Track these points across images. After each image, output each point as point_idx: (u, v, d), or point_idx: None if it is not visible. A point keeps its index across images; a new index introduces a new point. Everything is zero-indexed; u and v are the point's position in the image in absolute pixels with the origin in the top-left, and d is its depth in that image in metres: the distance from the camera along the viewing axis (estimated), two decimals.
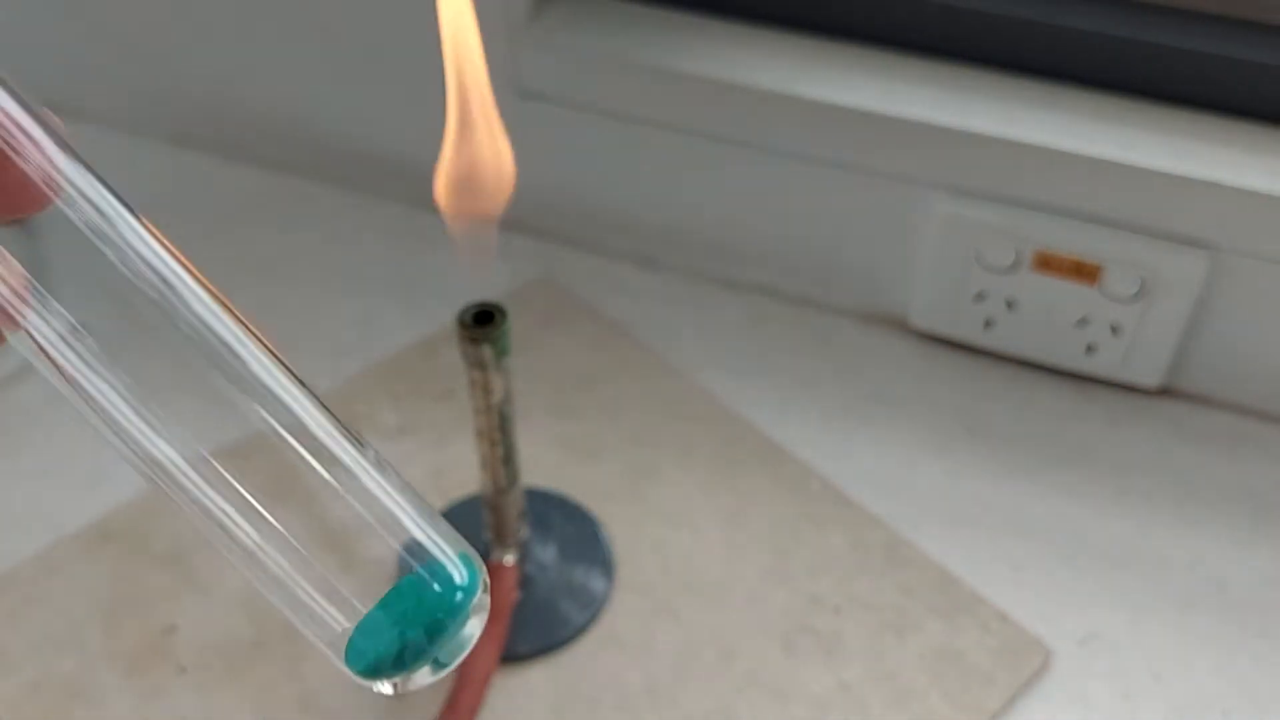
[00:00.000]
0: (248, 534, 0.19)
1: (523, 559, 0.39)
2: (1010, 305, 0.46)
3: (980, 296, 0.46)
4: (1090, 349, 0.46)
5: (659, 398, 0.47)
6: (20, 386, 0.47)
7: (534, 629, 0.38)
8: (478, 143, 0.30)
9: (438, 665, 0.20)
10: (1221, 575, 0.41)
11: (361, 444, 0.20)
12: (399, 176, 0.55)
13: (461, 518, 0.42)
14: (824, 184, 0.47)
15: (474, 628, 0.20)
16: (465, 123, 0.30)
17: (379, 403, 0.46)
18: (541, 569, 0.40)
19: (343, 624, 0.19)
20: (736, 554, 0.41)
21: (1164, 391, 0.47)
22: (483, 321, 0.32)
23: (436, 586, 0.19)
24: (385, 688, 0.20)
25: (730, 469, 0.44)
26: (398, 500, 0.20)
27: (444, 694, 0.36)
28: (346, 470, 0.20)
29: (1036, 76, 0.45)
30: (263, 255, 0.53)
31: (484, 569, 0.20)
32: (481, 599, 0.20)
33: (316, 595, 0.19)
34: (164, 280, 0.20)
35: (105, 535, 0.41)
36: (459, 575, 0.19)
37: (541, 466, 0.44)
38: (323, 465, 0.19)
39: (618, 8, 0.49)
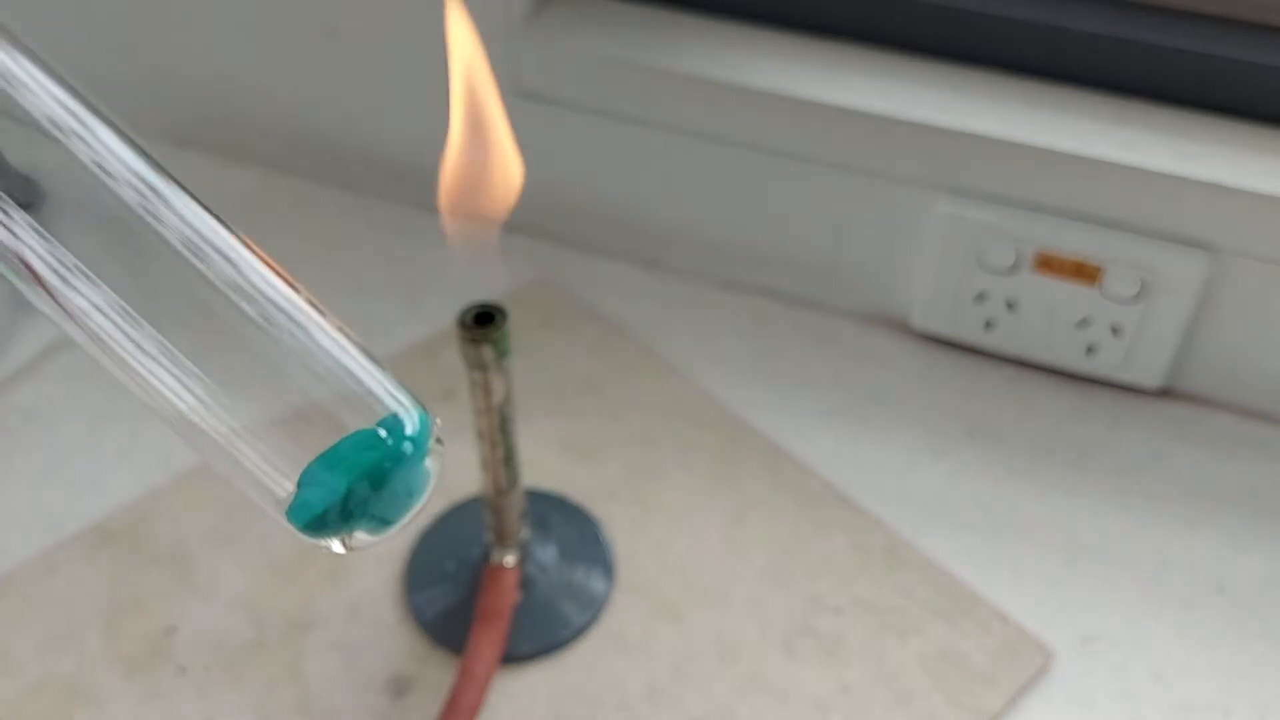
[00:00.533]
0: (181, 394, 0.18)
1: (523, 560, 0.39)
2: (1011, 306, 0.46)
3: (981, 297, 0.46)
4: (1091, 350, 0.46)
5: (660, 399, 0.46)
6: (20, 388, 0.47)
7: (535, 630, 0.38)
8: (485, 147, 0.30)
9: (384, 523, 0.19)
10: (1222, 576, 0.41)
11: (301, 294, 0.19)
12: (399, 177, 0.55)
13: (462, 519, 0.42)
14: (824, 185, 0.47)
15: (423, 482, 0.19)
16: (473, 127, 0.30)
17: None
18: (542, 570, 0.40)
19: (289, 485, 0.18)
20: (737, 555, 0.41)
21: (1164, 392, 0.47)
22: (483, 322, 0.32)
23: (384, 434, 0.18)
24: (335, 545, 0.19)
25: (731, 470, 0.44)
26: (347, 349, 0.19)
27: (445, 694, 0.36)
28: (291, 319, 0.19)
29: (1037, 78, 0.45)
30: None
31: (438, 423, 0.19)
32: (435, 449, 0.19)
33: (259, 454, 0.18)
34: (88, 128, 0.19)
35: (105, 536, 0.41)
36: (410, 424, 0.19)
37: (542, 467, 0.44)
38: (265, 316, 0.19)
39: (618, 8, 0.49)
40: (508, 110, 0.54)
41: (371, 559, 0.41)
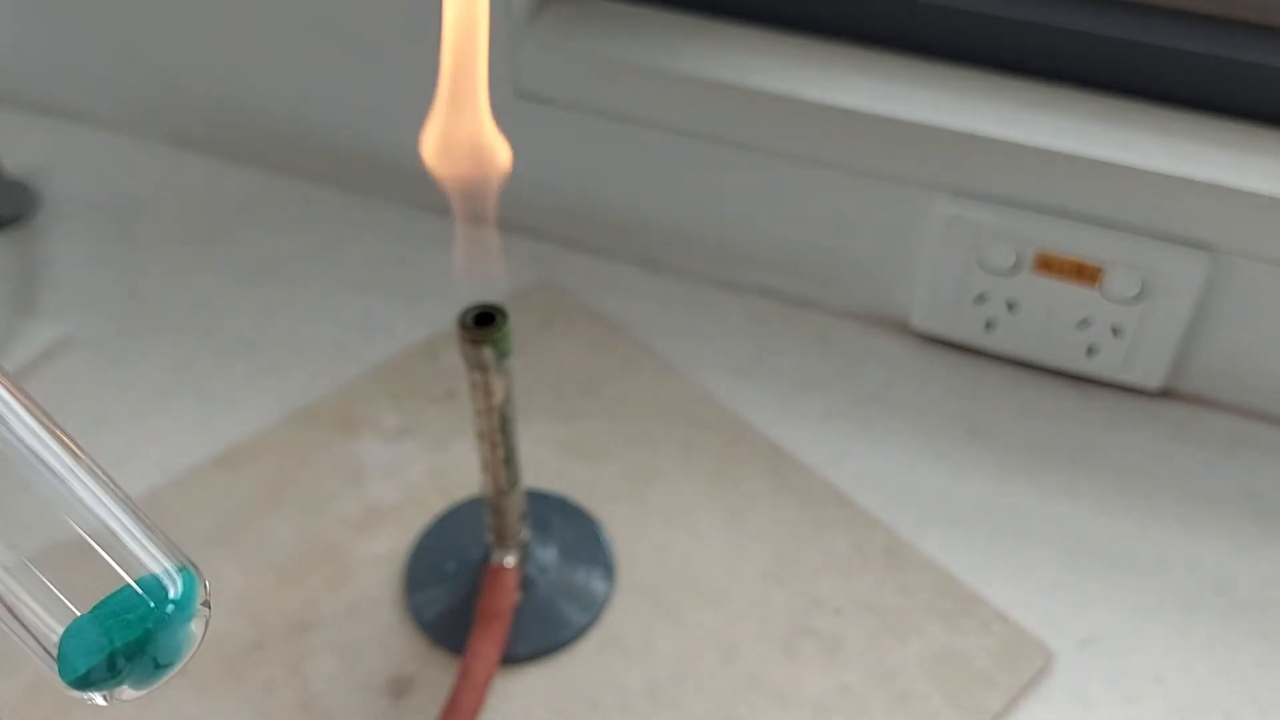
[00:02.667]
0: None
1: (524, 561, 0.39)
2: (1011, 307, 0.46)
3: (981, 298, 0.46)
4: (1091, 350, 0.46)
5: (660, 399, 0.47)
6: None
7: (535, 631, 0.38)
8: (470, 114, 0.30)
9: (158, 668, 0.20)
10: (1222, 576, 0.41)
11: (74, 450, 0.20)
12: (400, 178, 0.55)
13: (463, 519, 0.42)
14: (825, 185, 0.47)
15: (192, 635, 0.20)
16: (457, 96, 0.30)
17: (380, 404, 0.46)
18: (542, 571, 0.40)
19: (55, 636, 0.19)
20: (737, 555, 0.41)
21: (1164, 393, 0.47)
22: (483, 323, 0.32)
23: (147, 598, 0.19)
24: (97, 699, 0.20)
25: (731, 471, 0.44)
26: (111, 510, 0.20)
27: (445, 695, 0.36)
28: (57, 477, 0.19)
29: (1037, 79, 0.45)
30: (264, 257, 0.54)
31: (204, 584, 0.20)
32: (200, 611, 0.20)
33: (28, 607, 0.19)
34: None
35: None
36: (173, 588, 0.19)
37: (542, 468, 0.44)
38: (31, 471, 0.19)
39: (617, 9, 0.49)
40: (508, 111, 0.53)
41: (372, 560, 0.41)
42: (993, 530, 0.42)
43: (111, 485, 0.20)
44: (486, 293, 0.32)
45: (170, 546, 0.20)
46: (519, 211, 0.54)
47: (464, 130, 0.31)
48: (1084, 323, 0.45)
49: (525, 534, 0.38)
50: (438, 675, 0.38)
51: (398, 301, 0.51)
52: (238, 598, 0.40)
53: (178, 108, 0.58)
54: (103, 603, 0.19)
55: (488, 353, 0.32)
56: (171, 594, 0.19)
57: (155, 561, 0.19)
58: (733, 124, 0.47)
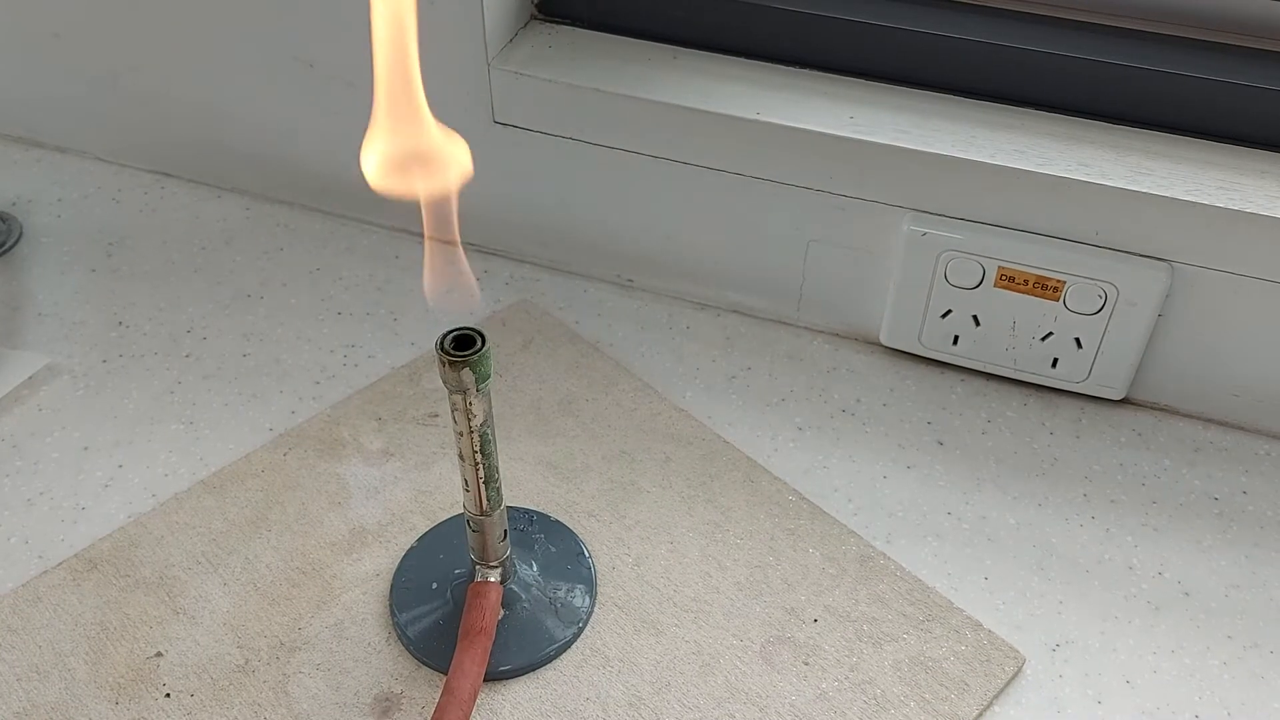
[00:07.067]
0: None
1: (506, 578, 0.39)
2: (976, 321, 0.47)
3: (947, 313, 0.48)
4: (1055, 362, 0.47)
5: (638, 417, 0.47)
6: (6, 417, 0.47)
7: (518, 646, 0.39)
8: (413, 128, 0.30)
9: None
10: (1187, 580, 0.42)
11: None
12: (380, 204, 0.56)
13: (446, 538, 0.42)
14: (793, 207, 0.48)
15: None
16: (395, 111, 0.30)
17: (363, 427, 0.47)
18: (525, 587, 0.40)
19: None
20: (715, 568, 0.42)
21: (1127, 401, 0.49)
22: (463, 346, 0.32)
23: None
24: None
25: (708, 485, 0.45)
26: None
27: (430, 712, 0.37)
28: None
29: (997, 100, 0.46)
30: (248, 283, 0.54)
31: None
32: None
33: None
34: None
35: (90, 563, 0.42)
36: None
37: (524, 486, 0.44)
38: None
39: (590, 38, 0.50)
40: (485, 138, 0.54)
41: (357, 580, 0.41)
42: (963, 539, 0.43)
43: None
44: (464, 316, 0.33)
45: None
46: (498, 235, 0.55)
47: (408, 146, 0.31)
48: (1047, 335, 0.46)
49: (507, 551, 0.39)
50: (423, 692, 0.38)
51: (379, 325, 0.52)
52: (224, 621, 0.40)
53: (159, 137, 0.59)
54: None
55: (467, 375, 0.32)
56: None
57: None
58: (703, 148, 0.48)
